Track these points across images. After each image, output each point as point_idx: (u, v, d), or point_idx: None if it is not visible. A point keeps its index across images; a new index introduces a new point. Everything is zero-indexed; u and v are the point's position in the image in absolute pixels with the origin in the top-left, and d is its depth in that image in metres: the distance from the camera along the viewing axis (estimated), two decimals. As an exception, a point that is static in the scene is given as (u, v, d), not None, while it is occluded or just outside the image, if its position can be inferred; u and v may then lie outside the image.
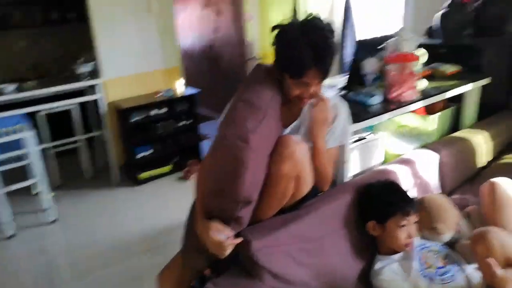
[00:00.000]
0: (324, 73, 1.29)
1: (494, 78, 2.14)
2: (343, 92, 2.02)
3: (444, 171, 1.85)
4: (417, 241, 1.49)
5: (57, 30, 4.70)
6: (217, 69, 5.39)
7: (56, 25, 4.64)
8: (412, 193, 1.70)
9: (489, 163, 2.00)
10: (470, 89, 2.08)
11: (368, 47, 2.12)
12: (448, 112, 2.22)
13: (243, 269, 1.33)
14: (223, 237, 1.25)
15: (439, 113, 2.17)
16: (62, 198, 3.38)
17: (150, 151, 3.56)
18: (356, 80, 2.01)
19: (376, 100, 1.84)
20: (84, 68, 3.44)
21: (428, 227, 1.52)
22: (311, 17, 1.31)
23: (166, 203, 3.18)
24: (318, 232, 1.43)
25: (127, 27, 3.54)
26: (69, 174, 3.85)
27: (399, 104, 1.83)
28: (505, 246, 1.29)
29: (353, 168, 1.80)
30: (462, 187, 1.89)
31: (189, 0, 5.68)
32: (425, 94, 1.91)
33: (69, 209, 3.23)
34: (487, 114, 2.19)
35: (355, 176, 1.77)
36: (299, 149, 1.30)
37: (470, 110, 2.18)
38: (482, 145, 1.97)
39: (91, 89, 3.57)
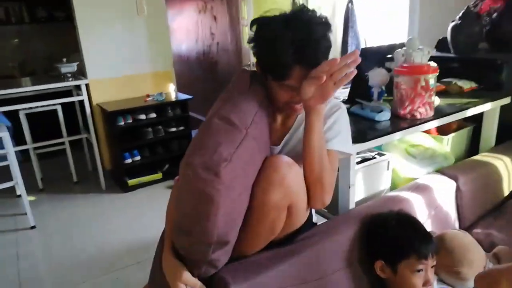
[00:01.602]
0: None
1: (514, 97, 1.91)
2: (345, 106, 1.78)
3: (462, 201, 1.60)
4: (435, 285, 1.23)
5: (45, 29, 4.64)
6: (212, 76, 5.19)
7: (43, 23, 4.55)
8: (427, 226, 1.44)
9: (514, 193, 1.75)
10: (489, 108, 1.84)
11: (374, 57, 1.90)
12: (463, 132, 1.98)
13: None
14: None
15: (453, 134, 1.94)
16: (44, 202, 3.22)
17: (138, 157, 3.35)
18: (359, 92, 1.77)
19: (384, 116, 1.60)
20: (68, 68, 3.25)
21: (449, 270, 1.26)
22: (298, 9, 1.07)
23: (156, 212, 2.91)
24: (316, 273, 1.17)
25: (114, 28, 3.37)
26: (54, 177, 3.68)
27: (412, 121, 1.59)
28: None
29: (356, 193, 1.54)
30: (484, 221, 1.63)
31: (185, 4, 5.51)
32: (440, 112, 1.67)
33: (51, 214, 3.03)
34: (507, 136, 1.94)
35: (358, 203, 1.51)
36: (291, 174, 1.04)
37: (490, 131, 1.93)
38: (505, 171, 1.72)
39: (76, 90, 3.39)
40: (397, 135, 1.53)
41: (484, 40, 2.18)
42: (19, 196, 2.84)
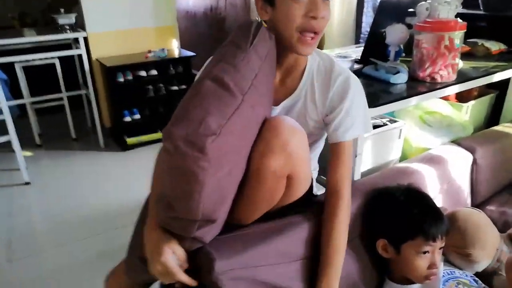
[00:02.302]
0: None
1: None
2: (357, 66, 1.61)
3: (478, 175, 1.46)
4: (441, 267, 1.12)
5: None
6: (218, 33, 4.94)
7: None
8: (437, 201, 1.31)
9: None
10: (518, 73, 1.66)
11: (393, 11, 1.71)
12: (485, 100, 1.81)
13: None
14: (173, 261, 0.89)
15: (473, 101, 1.77)
16: (42, 158, 3.17)
17: (138, 115, 3.23)
18: (375, 51, 1.60)
19: (401, 78, 1.45)
20: (65, 20, 3.06)
21: (459, 251, 1.15)
22: None
23: (155, 173, 2.86)
24: (311, 249, 1.06)
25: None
26: (53, 134, 3.59)
27: (432, 85, 1.42)
28: None
29: (363, 163, 1.41)
30: (499, 197, 1.51)
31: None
32: (463, 76, 1.50)
33: (48, 171, 2.98)
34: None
35: (364, 174, 1.38)
36: (295, 139, 0.90)
37: (515, 100, 1.77)
38: (529, 145, 1.57)
39: (75, 44, 3.22)
40: (413, 100, 1.38)
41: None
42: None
